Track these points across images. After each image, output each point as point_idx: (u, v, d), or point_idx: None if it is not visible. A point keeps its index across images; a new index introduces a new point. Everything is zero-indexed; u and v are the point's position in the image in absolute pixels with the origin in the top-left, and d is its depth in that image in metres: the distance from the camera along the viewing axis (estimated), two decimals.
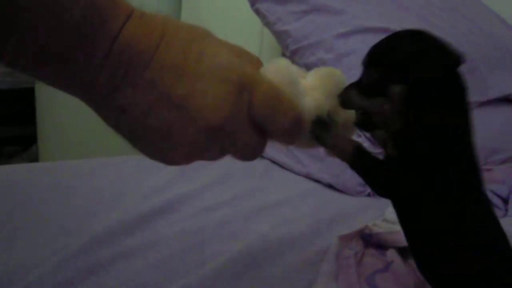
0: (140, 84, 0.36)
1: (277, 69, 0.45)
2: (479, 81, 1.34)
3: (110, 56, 0.35)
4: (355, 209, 0.95)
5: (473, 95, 1.43)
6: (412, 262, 0.73)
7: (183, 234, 0.79)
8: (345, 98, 0.47)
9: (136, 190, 0.96)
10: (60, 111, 1.81)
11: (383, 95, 0.43)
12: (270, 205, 0.93)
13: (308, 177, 1.13)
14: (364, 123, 0.48)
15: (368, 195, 1.06)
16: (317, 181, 1.11)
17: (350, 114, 0.50)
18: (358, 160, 0.49)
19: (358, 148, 0.49)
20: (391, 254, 0.76)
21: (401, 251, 0.75)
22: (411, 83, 0.42)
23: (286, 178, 1.12)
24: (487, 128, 1.32)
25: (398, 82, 0.42)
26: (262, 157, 1.23)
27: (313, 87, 0.48)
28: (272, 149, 1.20)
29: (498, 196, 1.05)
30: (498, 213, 1.00)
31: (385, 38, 0.45)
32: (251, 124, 0.41)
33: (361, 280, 0.69)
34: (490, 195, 1.05)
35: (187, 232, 0.80)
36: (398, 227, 0.76)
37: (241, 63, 0.41)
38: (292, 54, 1.32)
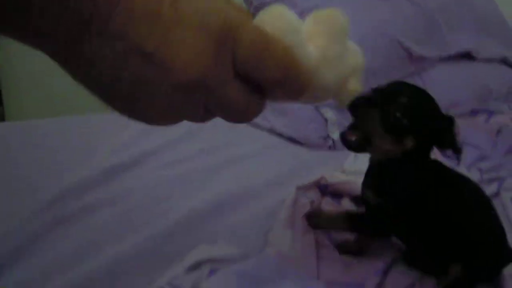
0: (106, 33, 0.32)
1: (272, 17, 0.39)
2: (441, 37, 1.37)
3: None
4: (315, 161, 0.99)
5: (434, 50, 1.46)
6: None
7: (150, 186, 0.82)
8: (370, 124, 0.59)
9: (105, 146, 0.97)
10: (26, 70, 1.80)
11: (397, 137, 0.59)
12: (234, 159, 0.96)
13: (271, 131, 1.15)
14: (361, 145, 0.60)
15: (329, 147, 1.10)
16: (280, 135, 1.14)
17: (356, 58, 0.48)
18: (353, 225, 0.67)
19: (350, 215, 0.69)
20: (346, 202, 0.80)
21: (355, 199, 0.80)
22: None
23: (250, 133, 1.14)
24: (447, 83, 1.37)
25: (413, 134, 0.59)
26: None
27: (314, 34, 0.43)
28: None
29: None
30: (451, 163, 1.06)
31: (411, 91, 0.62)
32: (238, 79, 0.36)
33: None
34: None
35: (153, 185, 0.83)
36: (353, 178, 0.81)
37: (224, 6, 0.35)
38: (255, 10, 1.33)
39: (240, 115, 0.38)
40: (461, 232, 0.62)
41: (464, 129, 1.21)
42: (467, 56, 1.47)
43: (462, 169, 0.99)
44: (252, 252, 0.67)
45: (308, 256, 0.66)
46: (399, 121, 0.57)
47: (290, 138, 1.12)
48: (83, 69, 0.34)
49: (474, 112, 1.39)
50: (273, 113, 1.16)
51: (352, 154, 0.97)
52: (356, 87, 0.47)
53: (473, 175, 0.95)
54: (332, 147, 1.09)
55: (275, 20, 0.39)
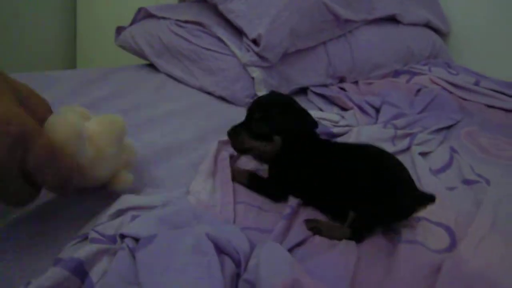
0: None
1: (60, 125, 0.51)
2: (367, 2, 1.43)
3: None
4: (241, 117, 1.03)
5: (361, 14, 1.52)
6: None
7: None
8: (240, 138, 0.76)
9: None
10: None
11: (267, 139, 0.75)
12: (162, 116, 0.99)
13: (201, 90, 1.18)
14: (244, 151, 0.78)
15: None
16: (209, 93, 1.17)
17: (130, 154, 0.70)
18: (252, 184, 0.77)
19: (251, 175, 0.78)
20: None
21: None
22: (285, 137, 0.75)
23: (180, 91, 1.17)
24: (373, 46, 1.43)
25: (278, 134, 0.75)
26: (158, 71, 1.28)
27: (96, 134, 0.59)
28: (168, 63, 1.26)
29: (371, 106, 1.17)
30: (370, 120, 1.13)
31: (265, 102, 0.79)
32: (22, 177, 0.45)
33: None
34: (364, 105, 1.17)
35: None
36: None
37: (22, 115, 0.43)
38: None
39: (18, 202, 0.49)
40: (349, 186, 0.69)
41: (386, 89, 1.29)
42: (393, 19, 1.54)
43: (379, 126, 1.06)
44: (173, 201, 0.70)
45: (225, 204, 0.71)
46: (261, 131, 0.75)
47: (218, 96, 1.16)
48: None
49: (397, 73, 1.47)
50: (202, 72, 1.19)
51: None
52: (127, 179, 0.67)
53: (388, 131, 1.01)
54: None
55: (62, 128, 0.51)
